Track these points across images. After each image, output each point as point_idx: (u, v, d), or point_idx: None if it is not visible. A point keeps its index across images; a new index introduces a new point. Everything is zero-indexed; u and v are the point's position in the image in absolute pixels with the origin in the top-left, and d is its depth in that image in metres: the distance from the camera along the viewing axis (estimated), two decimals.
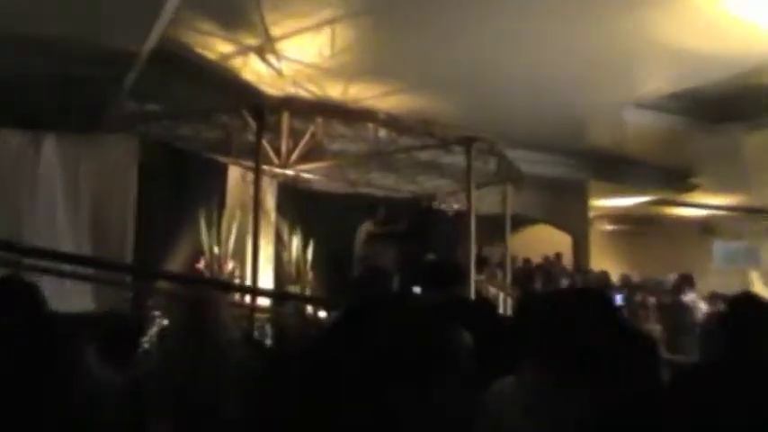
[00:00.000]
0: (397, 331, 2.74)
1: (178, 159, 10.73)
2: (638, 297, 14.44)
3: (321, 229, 12.61)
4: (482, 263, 12.89)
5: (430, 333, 2.87)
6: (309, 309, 9.69)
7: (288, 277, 12.06)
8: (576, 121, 13.37)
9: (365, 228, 12.44)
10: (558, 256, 17.75)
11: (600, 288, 8.63)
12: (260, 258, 9.26)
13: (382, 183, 13.31)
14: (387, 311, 2.89)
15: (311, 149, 11.49)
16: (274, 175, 12.08)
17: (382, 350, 2.73)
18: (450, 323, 2.99)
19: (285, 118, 10.74)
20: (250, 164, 10.04)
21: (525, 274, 15.65)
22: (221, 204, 11.25)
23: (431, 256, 11.00)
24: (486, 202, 11.99)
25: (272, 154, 11.11)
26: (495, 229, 12.21)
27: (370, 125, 10.50)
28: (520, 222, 16.99)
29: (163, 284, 8.74)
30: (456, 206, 12.23)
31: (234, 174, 11.71)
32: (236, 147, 10.92)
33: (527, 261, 17.13)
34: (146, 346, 7.31)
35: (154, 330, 7.70)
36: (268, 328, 8.48)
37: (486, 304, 6.54)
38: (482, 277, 12.16)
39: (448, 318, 3.15)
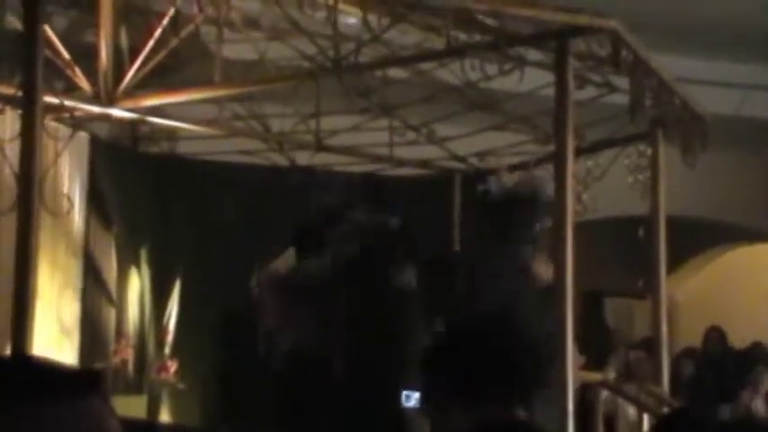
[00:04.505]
0: None
1: None
2: None
3: (203, 252, 7.36)
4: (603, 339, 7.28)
5: None
6: None
7: (119, 370, 6.97)
8: None
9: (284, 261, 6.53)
10: None
11: None
12: (35, 321, 4.84)
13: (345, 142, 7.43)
14: None
15: (177, 60, 6.41)
16: (73, 120, 6.01)
17: None
18: None
19: None
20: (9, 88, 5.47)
21: (709, 369, 8.82)
22: None
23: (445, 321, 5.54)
24: (606, 192, 6.30)
25: (71, 66, 5.92)
26: (629, 253, 6.51)
27: None
28: (699, 238, 10.21)
29: None
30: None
31: None
32: None
33: (714, 333, 9.68)
34: None
35: None
36: None
37: None
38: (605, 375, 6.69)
39: None
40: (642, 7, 7.49)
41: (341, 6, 5.26)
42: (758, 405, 9.19)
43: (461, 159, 7.64)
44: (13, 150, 5.26)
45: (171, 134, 7.63)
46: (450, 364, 2.22)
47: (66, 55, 6.02)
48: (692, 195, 9.16)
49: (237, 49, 6.72)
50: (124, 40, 6.59)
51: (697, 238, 10.52)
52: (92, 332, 6.91)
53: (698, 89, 6.26)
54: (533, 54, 5.46)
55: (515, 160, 7.32)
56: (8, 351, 4.75)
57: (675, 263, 8.09)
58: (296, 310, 6.15)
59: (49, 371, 1.13)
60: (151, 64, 6.31)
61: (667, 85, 5.18)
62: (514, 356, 2.20)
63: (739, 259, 12.12)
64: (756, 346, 10.17)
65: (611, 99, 5.96)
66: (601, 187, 6.65)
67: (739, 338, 10.37)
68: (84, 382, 1.14)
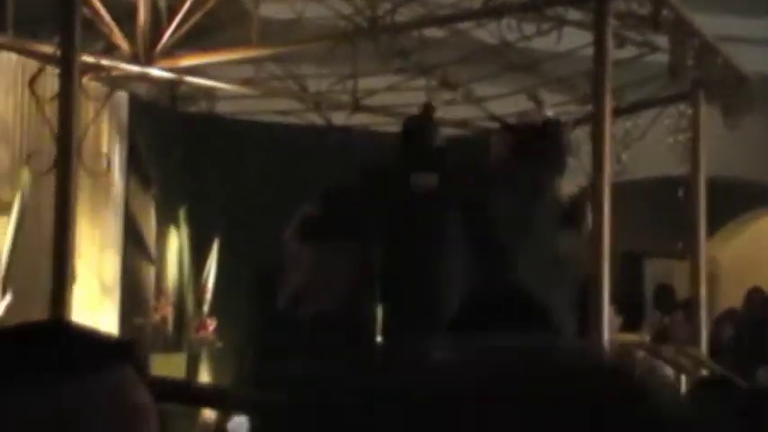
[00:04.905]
0: None
1: None
2: None
3: (241, 212, 7.27)
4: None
5: None
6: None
7: (159, 327, 6.96)
8: None
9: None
10: None
11: None
12: (78, 279, 5.12)
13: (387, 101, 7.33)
14: None
15: (215, 19, 6.25)
16: (111, 79, 6.09)
17: None
18: None
19: None
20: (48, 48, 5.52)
21: (749, 330, 8.73)
22: None
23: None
24: (646, 152, 6.25)
25: (110, 26, 5.73)
26: (669, 214, 6.38)
27: None
28: (740, 200, 10.16)
29: None
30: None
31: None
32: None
33: (756, 294, 9.49)
34: None
35: None
36: None
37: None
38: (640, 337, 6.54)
39: None
40: None
41: None
42: None
43: (499, 119, 7.58)
44: (53, 111, 5.30)
45: (209, 94, 7.64)
46: (476, 330, 2.21)
47: (105, 14, 6.01)
48: (732, 156, 9.03)
49: (274, 9, 6.69)
50: (162, 0, 6.57)
51: (738, 199, 10.37)
52: (132, 290, 6.98)
53: (737, 47, 6.14)
54: (572, 13, 5.39)
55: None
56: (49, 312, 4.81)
57: (717, 224, 7.97)
58: (325, 254, 6.03)
59: (79, 342, 1.14)
60: (189, 24, 6.30)
61: (710, 44, 5.09)
62: (539, 324, 2.19)
63: None
64: None
65: (654, 58, 5.87)
66: (641, 148, 6.58)
67: None
68: (116, 352, 1.15)
